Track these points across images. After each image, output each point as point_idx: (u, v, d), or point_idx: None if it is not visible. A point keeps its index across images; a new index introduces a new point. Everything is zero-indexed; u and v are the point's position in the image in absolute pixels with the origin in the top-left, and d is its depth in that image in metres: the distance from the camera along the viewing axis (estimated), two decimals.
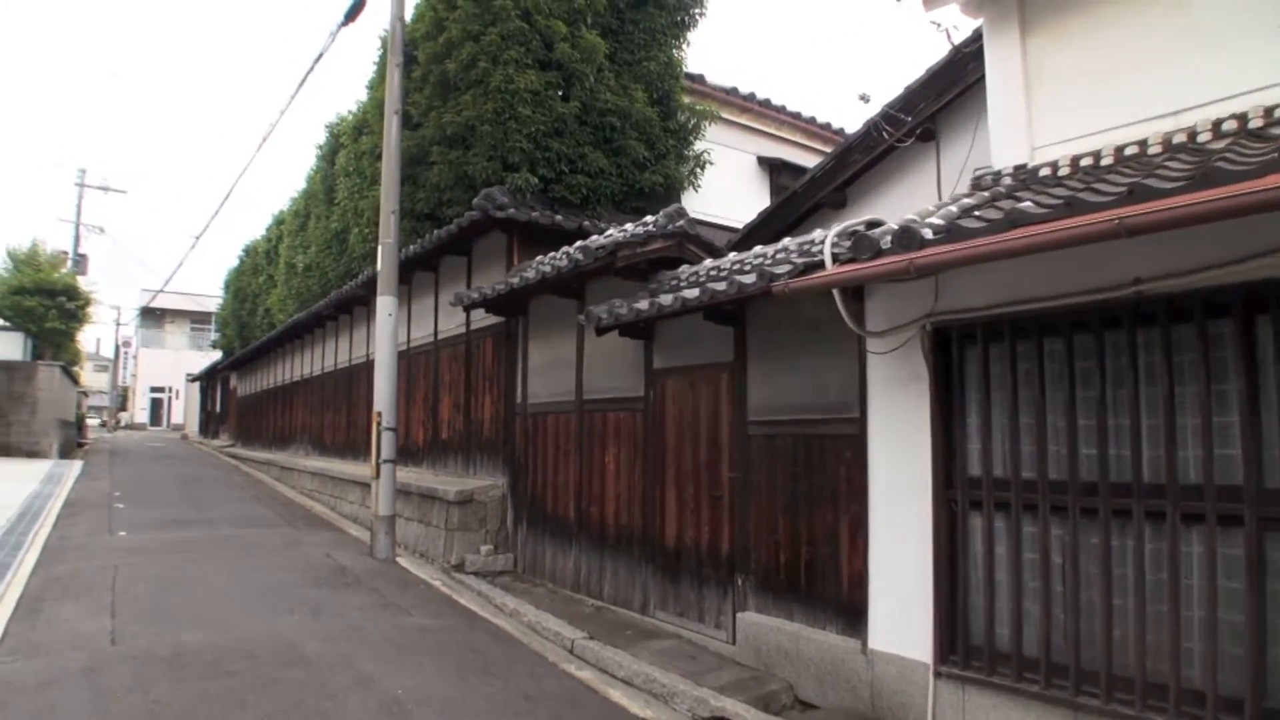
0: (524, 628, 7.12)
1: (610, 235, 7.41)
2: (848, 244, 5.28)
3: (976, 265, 4.42)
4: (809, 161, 13.32)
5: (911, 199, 8.10)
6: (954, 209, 5.02)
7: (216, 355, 35.89)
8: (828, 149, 13.97)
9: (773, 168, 13.01)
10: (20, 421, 20.10)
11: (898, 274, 4.37)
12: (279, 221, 21.97)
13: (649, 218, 7.63)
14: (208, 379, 37.96)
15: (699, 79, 12.04)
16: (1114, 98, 5.20)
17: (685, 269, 7.21)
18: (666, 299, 6.34)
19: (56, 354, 23.38)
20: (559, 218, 9.52)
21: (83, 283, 25.26)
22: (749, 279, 5.60)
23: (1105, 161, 5.06)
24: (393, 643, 6.00)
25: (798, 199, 9.33)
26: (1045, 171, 5.44)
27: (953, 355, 5.06)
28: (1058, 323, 4.53)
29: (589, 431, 8.24)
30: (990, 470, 4.82)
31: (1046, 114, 5.77)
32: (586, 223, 9.75)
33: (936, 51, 9.09)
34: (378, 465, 9.01)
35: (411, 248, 10.51)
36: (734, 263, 6.63)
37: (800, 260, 5.51)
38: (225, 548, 9.32)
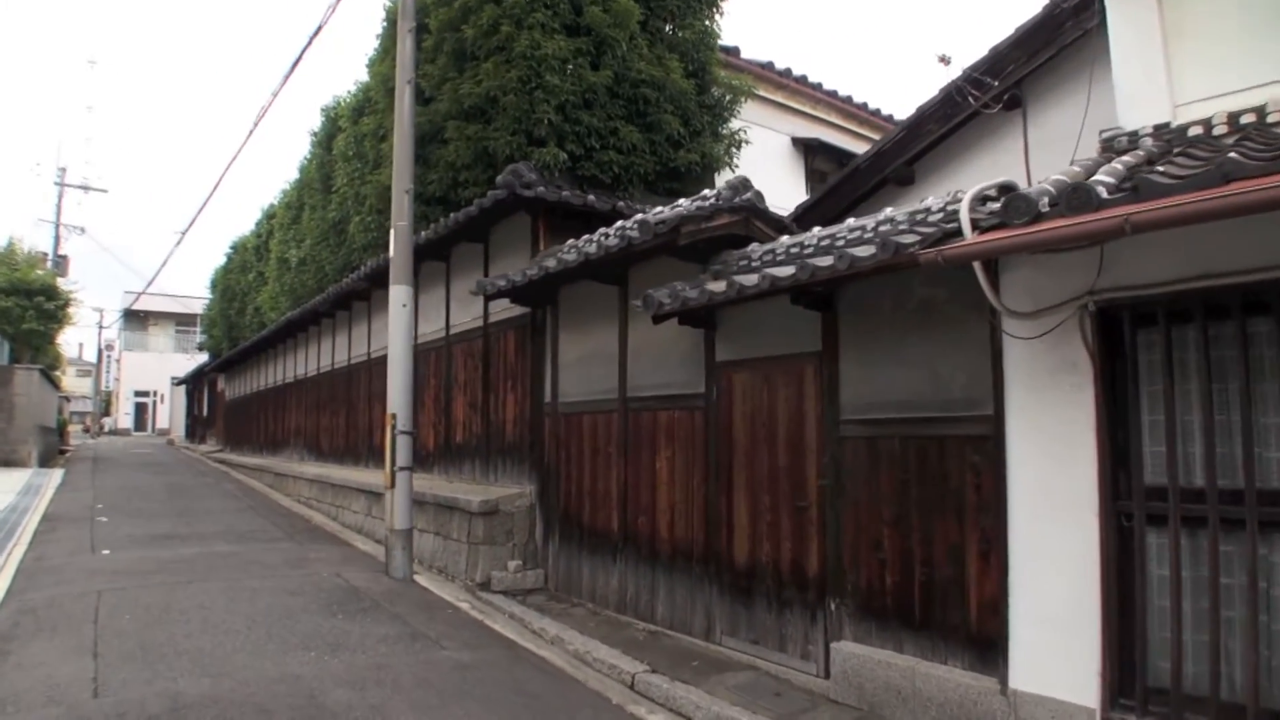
0: (572, 659, 6.20)
1: (674, 209, 6.47)
2: (988, 208, 4.43)
3: (1188, 226, 3.52)
4: (846, 144, 12.49)
5: (990, 173, 7.20)
6: (1106, 173, 4.14)
7: (203, 358, 34.76)
8: (865, 131, 13.17)
9: (808, 149, 12.14)
10: None
11: (1106, 234, 3.50)
12: (269, 216, 20.93)
13: (707, 192, 6.70)
14: (194, 382, 36.79)
15: (734, 52, 11.15)
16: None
17: (756, 247, 6.29)
18: (749, 279, 5.41)
19: (35, 357, 22.26)
20: (591, 198, 8.58)
21: (63, 284, 24.15)
22: (863, 251, 4.70)
23: (1273, 117, 4.28)
24: (430, 685, 5.05)
25: (859, 176, 8.46)
26: (1196, 130, 4.68)
27: (1123, 340, 4.18)
28: (1271, 299, 3.67)
29: (635, 433, 7.30)
30: (1176, 478, 3.95)
31: (1190, 68, 5.02)
32: (621, 203, 8.81)
33: (1021, 12, 8.18)
34: (392, 473, 8.04)
35: (423, 234, 9.54)
36: (820, 239, 5.72)
37: (929, 229, 4.62)
38: (222, 567, 8.33)
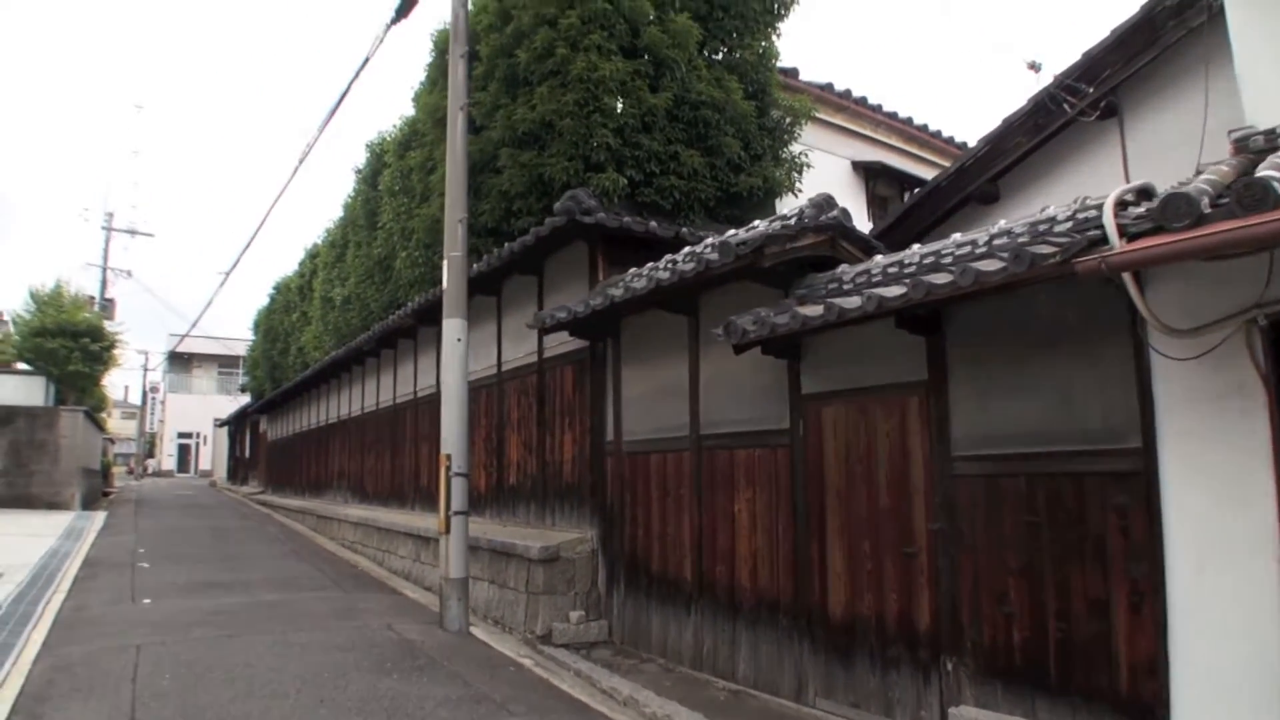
0: None
1: (751, 230, 5.98)
2: (1131, 213, 3.90)
3: None
4: (908, 168, 11.98)
5: (1084, 188, 6.64)
6: (1269, 167, 3.61)
7: (245, 399, 34.76)
8: (927, 154, 12.65)
9: (869, 173, 11.62)
10: (41, 471, 18.82)
11: None
12: (313, 255, 20.77)
13: (784, 212, 6.21)
14: (237, 423, 36.79)
15: (793, 73, 10.71)
16: None
17: (846, 269, 5.77)
18: (849, 302, 4.88)
19: (80, 398, 22.16)
20: (654, 224, 8.12)
21: (109, 326, 24.15)
22: (989, 265, 4.15)
23: None
24: None
25: (939, 195, 7.91)
26: None
27: None
28: None
29: (709, 473, 6.76)
30: None
31: None
32: (684, 230, 8.34)
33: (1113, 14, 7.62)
34: (447, 518, 7.55)
35: (475, 266, 9.12)
36: (923, 256, 5.20)
37: (1061, 239, 4.09)
38: (268, 618, 7.85)
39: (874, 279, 5.39)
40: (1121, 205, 4.07)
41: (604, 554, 7.95)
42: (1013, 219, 5.02)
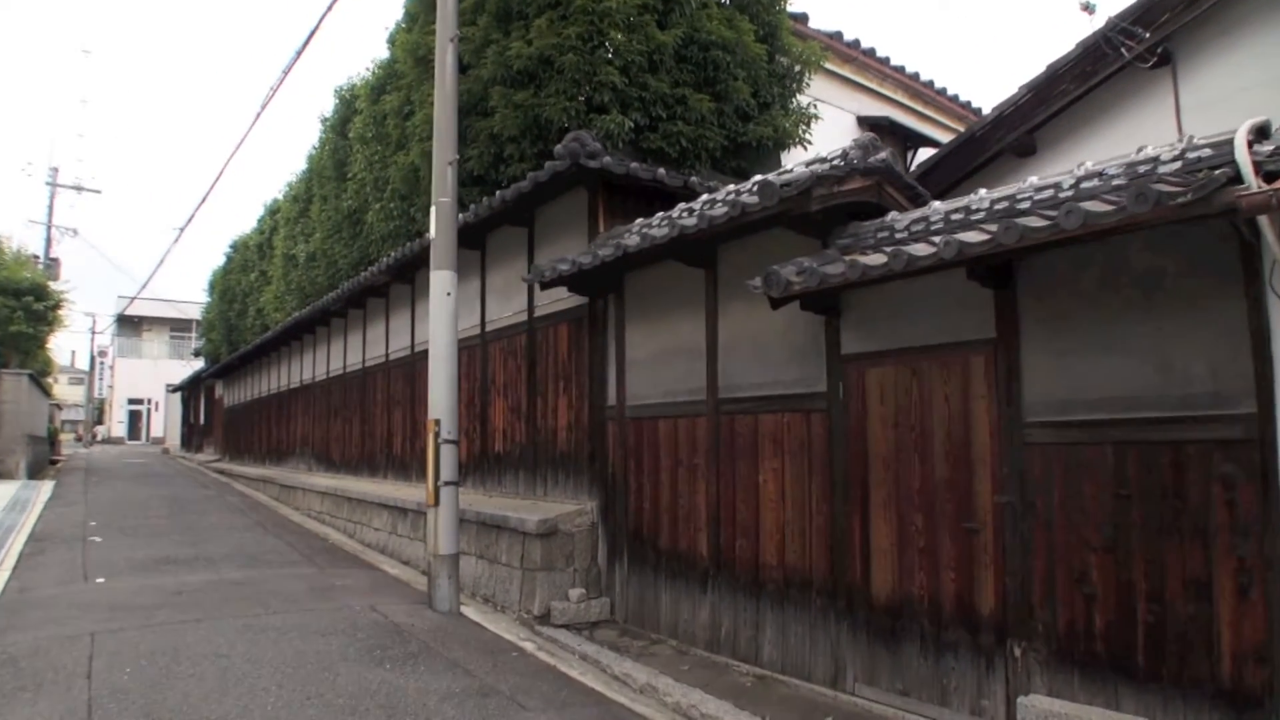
0: (674, 714, 5.11)
1: (781, 173, 5.38)
2: (1265, 149, 3.36)
3: None
4: (913, 125, 11.42)
5: (1131, 141, 6.13)
6: None
7: (198, 364, 33.54)
8: (933, 113, 12.12)
9: (874, 129, 11.00)
10: None
11: None
12: (273, 211, 19.75)
13: (825, 154, 5.60)
14: (190, 389, 35.55)
15: (802, 19, 10.08)
16: None
17: (897, 216, 5.19)
18: (919, 249, 4.30)
19: (24, 362, 21.00)
20: (661, 171, 7.47)
21: (54, 286, 22.92)
22: (1099, 207, 3.59)
23: None
24: None
25: (972, 146, 7.40)
26: None
27: None
28: None
29: (730, 440, 6.18)
30: None
31: None
32: (694, 179, 7.70)
33: None
34: (436, 489, 6.90)
35: (462, 217, 8.38)
36: (994, 202, 4.63)
37: (1176, 179, 3.54)
38: (237, 599, 7.16)
39: (934, 226, 4.82)
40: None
41: (605, 527, 7.37)
42: (1102, 160, 4.46)
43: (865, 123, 11.01)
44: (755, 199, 5.16)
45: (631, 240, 6.21)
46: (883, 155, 5.33)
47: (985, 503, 4.60)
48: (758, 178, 5.54)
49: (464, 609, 7.06)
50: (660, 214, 6.72)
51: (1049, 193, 4.41)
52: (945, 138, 11.80)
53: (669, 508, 6.72)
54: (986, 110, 12.19)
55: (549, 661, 5.82)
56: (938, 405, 4.84)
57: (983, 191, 4.86)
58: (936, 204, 5.04)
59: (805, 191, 4.96)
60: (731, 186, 6.22)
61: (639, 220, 7.05)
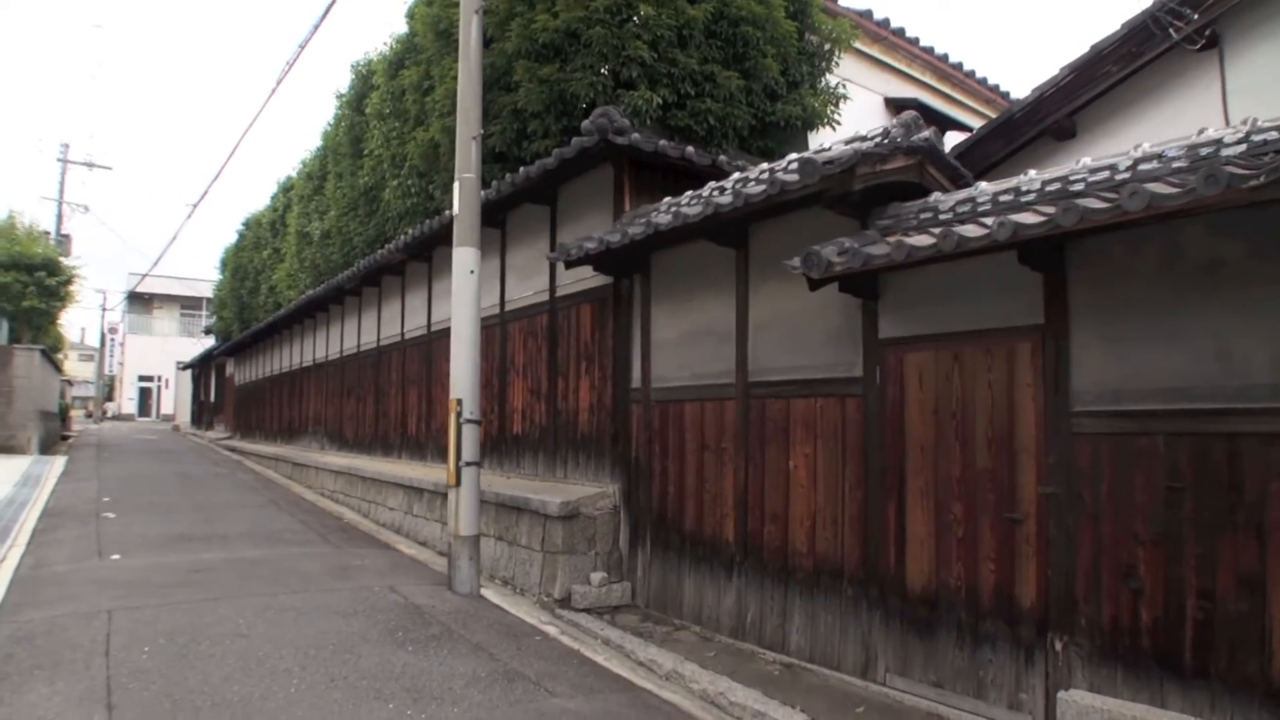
0: (706, 704, 4.98)
1: (823, 151, 5.23)
2: None
3: None
4: (941, 108, 11.23)
5: (1174, 126, 5.97)
6: None
7: (209, 342, 33.58)
8: (961, 96, 11.91)
9: (899, 111, 10.79)
10: None
11: None
12: (286, 189, 19.64)
13: (863, 132, 5.45)
14: (201, 366, 35.53)
15: None
16: None
17: (940, 197, 5.04)
18: (971, 230, 4.16)
19: (36, 337, 20.99)
20: (690, 150, 7.31)
21: (65, 262, 22.83)
22: (1163, 189, 3.44)
23: None
24: None
25: (1011, 128, 7.20)
26: None
27: None
28: None
29: (759, 424, 6.05)
30: None
31: None
32: (722, 158, 7.55)
33: None
34: (457, 470, 6.79)
35: (484, 194, 8.25)
36: (1045, 184, 4.48)
37: (1244, 162, 3.38)
38: (253, 577, 7.08)
39: (981, 207, 4.67)
40: None
41: (627, 510, 7.26)
42: (1160, 142, 4.30)
43: (892, 104, 10.83)
44: (795, 177, 5.01)
45: (663, 218, 6.06)
46: (926, 134, 5.17)
47: (1029, 493, 4.47)
48: (797, 155, 5.41)
49: (483, 591, 6.96)
50: (690, 193, 6.58)
51: (1104, 174, 4.25)
52: (973, 122, 11.60)
53: (694, 492, 6.60)
54: (1015, 95, 12.02)
55: (573, 646, 5.72)
56: (980, 392, 4.70)
57: (1032, 173, 4.70)
58: (983, 185, 4.88)
59: (848, 169, 4.81)
60: (765, 165, 6.08)
61: (667, 199, 6.91)
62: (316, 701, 4.26)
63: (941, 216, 4.84)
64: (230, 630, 5.44)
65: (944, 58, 11.43)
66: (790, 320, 5.84)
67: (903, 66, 11.05)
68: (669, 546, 6.80)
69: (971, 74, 11.86)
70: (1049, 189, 4.42)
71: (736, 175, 6.24)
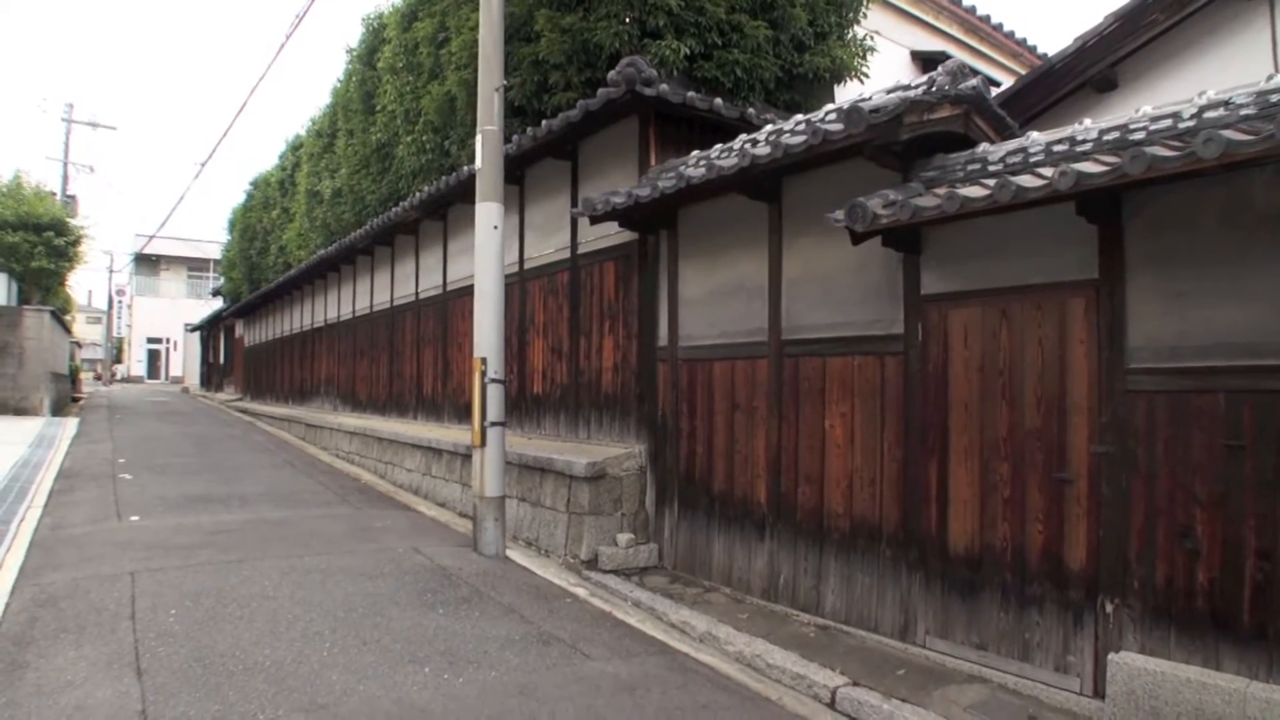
0: (743, 666, 4.91)
1: (865, 100, 5.04)
2: None
3: None
4: (969, 62, 10.88)
5: (1221, 77, 5.74)
6: None
7: (217, 304, 33.50)
8: (989, 50, 11.63)
9: (927, 65, 10.54)
10: (6, 374, 17.68)
11: None
12: (295, 147, 19.37)
13: (909, 81, 5.25)
14: (209, 328, 35.47)
15: None
16: None
17: (988, 148, 4.86)
18: (1028, 180, 3.98)
19: (45, 298, 20.86)
20: (718, 101, 7.10)
21: (73, 222, 22.64)
22: (1238, 135, 3.26)
23: None
24: None
25: (1050, 79, 6.97)
26: None
27: None
28: None
29: (793, 383, 5.91)
30: None
31: None
32: (750, 110, 7.34)
33: None
34: (482, 430, 6.68)
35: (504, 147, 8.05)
36: (1103, 133, 4.30)
37: None
38: (275, 539, 7.01)
39: (1033, 158, 4.48)
40: None
41: (654, 471, 7.15)
42: (1225, 89, 4.11)
43: (919, 58, 10.55)
44: (839, 126, 4.82)
45: (695, 171, 5.88)
46: (973, 82, 4.97)
47: (1080, 453, 4.33)
48: (838, 104, 5.20)
49: (508, 553, 6.89)
50: (719, 145, 6.40)
51: (1166, 123, 4.07)
52: (1001, 77, 11.33)
53: (724, 452, 6.48)
54: (1043, 50, 11.72)
55: (604, 608, 5.64)
56: (1030, 349, 4.55)
57: (1087, 121, 4.51)
58: (1034, 134, 4.69)
59: (895, 118, 4.62)
60: (800, 116, 5.89)
61: (695, 152, 6.73)
62: (351, 665, 4.18)
63: (991, 168, 4.66)
64: (257, 592, 5.36)
65: (972, 9, 11.11)
66: (826, 276, 5.68)
67: (930, 19, 10.75)
68: (697, 507, 6.70)
69: (999, 27, 11.55)
70: (1107, 138, 4.24)
71: (770, 127, 6.05)
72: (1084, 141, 4.33)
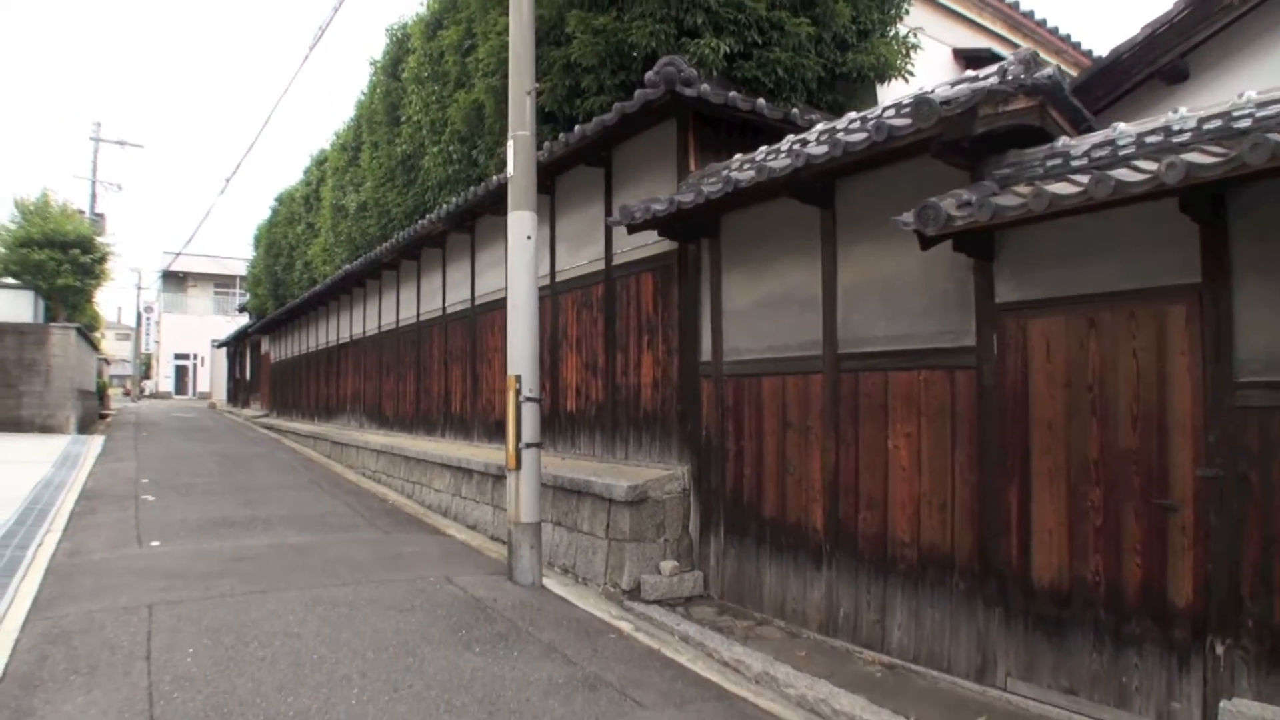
0: (802, 710, 4.50)
1: (924, 95, 4.65)
2: None
3: None
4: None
5: None
6: None
7: (243, 320, 33.48)
8: (1033, 48, 11.14)
9: (969, 63, 10.12)
10: (32, 392, 17.52)
11: None
12: (320, 162, 19.20)
13: (985, 70, 4.85)
14: (236, 344, 35.46)
15: None
16: None
17: (1069, 141, 4.44)
18: (1126, 174, 3.57)
19: (72, 315, 20.77)
20: (761, 102, 6.73)
21: (100, 240, 22.58)
22: None
23: None
24: None
25: (1117, 71, 6.53)
26: None
27: None
28: None
29: (851, 399, 5.50)
30: None
31: None
32: (794, 110, 6.97)
33: None
34: (517, 451, 6.31)
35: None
36: (1204, 120, 3.88)
37: None
38: (300, 566, 6.67)
39: (1124, 151, 4.07)
40: None
41: (698, 494, 6.75)
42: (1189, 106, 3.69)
43: (961, 56, 10.13)
44: (906, 120, 4.43)
45: (744, 174, 5.49)
46: (1049, 71, 4.56)
47: (1184, 476, 3.90)
48: (899, 99, 4.81)
49: (544, 581, 6.50)
50: (764, 148, 6.03)
51: (1276, 109, 3.65)
52: None
53: (775, 474, 6.08)
54: (1087, 47, 11.26)
55: (651, 645, 5.24)
56: (1123, 362, 4.12)
57: (1183, 110, 4.09)
58: (1122, 125, 4.27)
59: (969, 110, 4.22)
60: (852, 114, 5.50)
61: (738, 156, 6.35)
62: (381, 716, 3.80)
63: (1074, 163, 4.25)
64: (280, 628, 5.01)
65: (1015, 5, 10.69)
66: (886, 285, 5.27)
67: (972, 15, 10.34)
68: (745, 533, 6.30)
69: (1043, 23, 11.11)
70: (1207, 128, 3.82)
71: (820, 126, 5.68)
72: (1181, 132, 3.92)
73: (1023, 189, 4.10)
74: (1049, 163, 4.38)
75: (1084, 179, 3.78)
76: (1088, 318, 4.26)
